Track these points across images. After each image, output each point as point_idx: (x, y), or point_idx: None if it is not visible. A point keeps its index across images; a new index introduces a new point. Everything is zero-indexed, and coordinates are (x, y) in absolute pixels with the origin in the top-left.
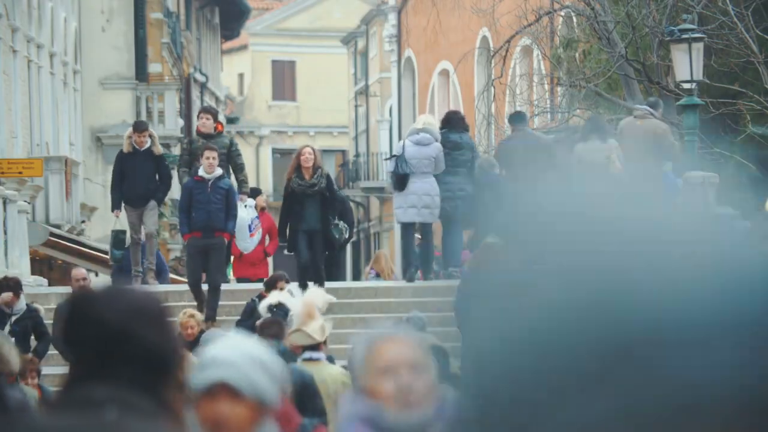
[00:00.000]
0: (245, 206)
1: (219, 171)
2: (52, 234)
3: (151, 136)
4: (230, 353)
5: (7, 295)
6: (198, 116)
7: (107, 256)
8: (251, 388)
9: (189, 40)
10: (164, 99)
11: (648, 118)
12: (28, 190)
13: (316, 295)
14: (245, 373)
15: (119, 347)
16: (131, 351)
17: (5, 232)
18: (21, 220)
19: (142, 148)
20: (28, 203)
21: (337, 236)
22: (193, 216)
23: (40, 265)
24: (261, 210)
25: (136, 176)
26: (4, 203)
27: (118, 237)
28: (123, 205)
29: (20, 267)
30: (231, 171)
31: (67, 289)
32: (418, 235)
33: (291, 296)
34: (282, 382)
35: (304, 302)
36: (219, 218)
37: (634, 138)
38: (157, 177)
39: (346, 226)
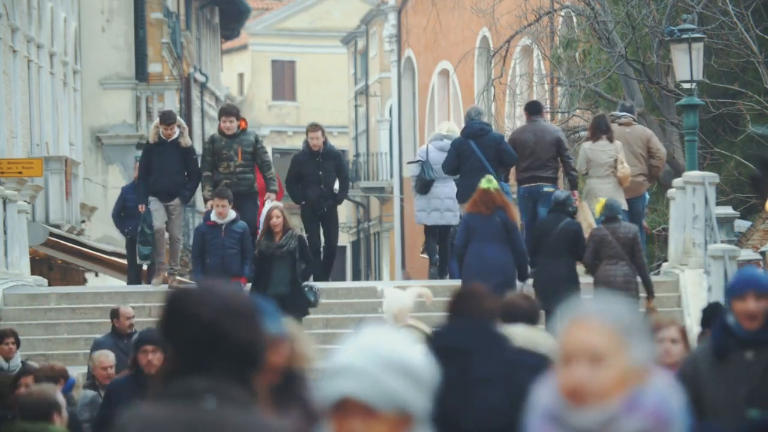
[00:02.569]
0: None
1: (232, 215)
2: (52, 234)
3: (179, 126)
4: (358, 359)
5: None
6: (219, 118)
7: (107, 256)
8: (387, 400)
9: (189, 40)
10: (164, 99)
11: (633, 125)
12: (28, 190)
13: (410, 296)
14: (377, 384)
15: (212, 342)
16: (223, 345)
17: (5, 232)
18: (21, 220)
19: (170, 140)
20: (28, 203)
21: (312, 299)
22: (207, 262)
23: (40, 265)
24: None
25: (162, 169)
26: (4, 203)
27: (144, 233)
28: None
29: (20, 267)
30: (257, 166)
31: (66, 289)
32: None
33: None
34: (433, 383)
35: (399, 308)
36: (234, 263)
37: (624, 144)
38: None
39: (319, 289)
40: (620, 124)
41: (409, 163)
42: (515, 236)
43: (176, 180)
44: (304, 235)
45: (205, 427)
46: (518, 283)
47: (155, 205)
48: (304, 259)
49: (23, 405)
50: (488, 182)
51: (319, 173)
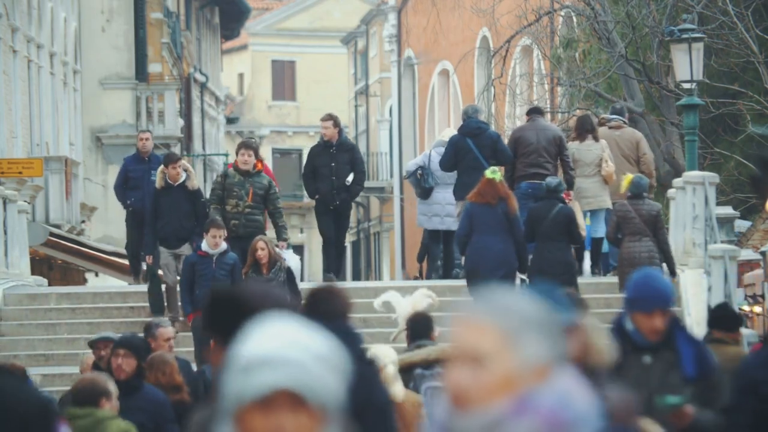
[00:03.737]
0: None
1: (224, 246)
2: (52, 234)
3: (186, 170)
4: (289, 350)
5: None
6: (238, 151)
7: (107, 256)
8: (316, 392)
9: (189, 40)
10: (164, 99)
11: (623, 127)
12: (28, 190)
13: (420, 298)
14: (310, 375)
15: None
16: None
17: (5, 232)
18: (21, 220)
19: (176, 183)
20: (28, 203)
21: None
22: (196, 293)
23: (40, 265)
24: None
25: (170, 214)
26: (4, 203)
27: (153, 282)
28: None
29: (20, 267)
30: (268, 213)
31: (66, 289)
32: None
33: (398, 298)
34: (346, 376)
35: (413, 305)
36: None
37: (614, 147)
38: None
39: None
40: (610, 128)
41: (405, 179)
42: (517, 227)
43: (185, 225)
44: (292, 266)
45: None
46: (519, 275)
47: (165, 260)
48: (292, 291)
49: (75, 391)
50: (493, 173)
51: (331, 165)
